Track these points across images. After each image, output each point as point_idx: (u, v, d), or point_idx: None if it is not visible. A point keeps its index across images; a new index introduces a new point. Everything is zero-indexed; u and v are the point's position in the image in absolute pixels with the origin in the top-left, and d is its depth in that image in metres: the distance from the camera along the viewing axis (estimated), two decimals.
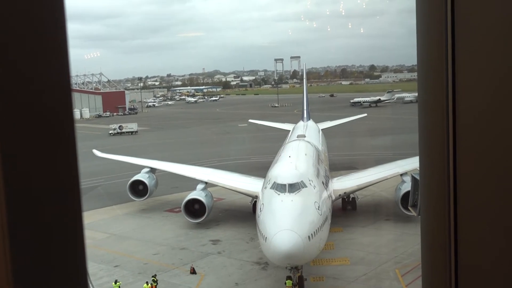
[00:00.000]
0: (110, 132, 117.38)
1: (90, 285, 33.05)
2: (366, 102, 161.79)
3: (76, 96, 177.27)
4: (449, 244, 2.50)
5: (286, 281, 30.94)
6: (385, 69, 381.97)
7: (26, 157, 1.86)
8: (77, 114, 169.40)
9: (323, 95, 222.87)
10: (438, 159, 2.52)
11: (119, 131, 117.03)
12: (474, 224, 2.43)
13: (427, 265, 2.71)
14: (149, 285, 32.95)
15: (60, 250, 2.00)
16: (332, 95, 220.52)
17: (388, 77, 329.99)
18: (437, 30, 2.46)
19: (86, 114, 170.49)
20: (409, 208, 15.58)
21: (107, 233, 45.65)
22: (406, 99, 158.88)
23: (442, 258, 2.55)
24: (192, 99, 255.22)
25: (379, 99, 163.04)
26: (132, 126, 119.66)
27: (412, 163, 45.51)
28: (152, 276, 33.78)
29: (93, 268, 37.24)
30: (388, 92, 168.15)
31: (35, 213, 1.90)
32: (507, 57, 2.23)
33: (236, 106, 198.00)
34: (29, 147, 1.88)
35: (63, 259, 2.02)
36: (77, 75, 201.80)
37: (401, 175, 45.77)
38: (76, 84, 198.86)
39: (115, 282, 33.49)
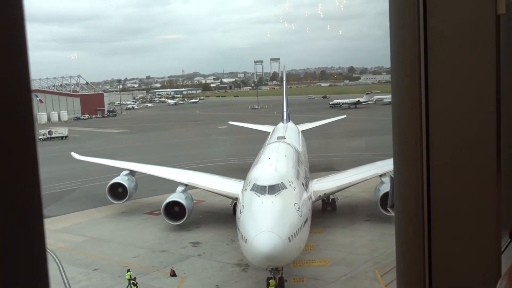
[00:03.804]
0: (40, 137, 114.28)
1: None
2: (345, 103, 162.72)
3: (54, 99, 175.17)
4: (422, 241, 2.54)
5: (270, 281, 30.76)
6: (364, 71, 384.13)
7: None
8: (55, 116, 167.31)
9: (313, 97, 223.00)
10: (412, 159, 2.55)
11: (48, 136, 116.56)
12: (447, 220, 2.47)
13: (401, 261, 2.74)
14: None
15: (20, 250, 1.99)
16: (325, 97, 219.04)
17: (367, 78, 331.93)
18: (410, 32, 2.49)
19: (65, 116, 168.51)
20: (388, 209, 15.66)
21: (85, 236, 45.14)
22: (385, 100, 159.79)
23: (416, 256, 2.58)
24: (172, 101, 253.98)
25: (358, 100, 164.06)
26: (62, 131, 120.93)
27: (390, 164, 44.44)
28: (132, 279, 33.52)
29: (71, 271, 36.81)
30: (367, 93, 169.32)
31: None
32: (477, 57, 2.28)
33: (216, 108, 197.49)
34: None
35: (22, 258, 2.00)
36: (55, 77, 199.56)
37: (380, 176, 46.06)
38: (54, 86, 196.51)
39: (128, 271, 34.26)
